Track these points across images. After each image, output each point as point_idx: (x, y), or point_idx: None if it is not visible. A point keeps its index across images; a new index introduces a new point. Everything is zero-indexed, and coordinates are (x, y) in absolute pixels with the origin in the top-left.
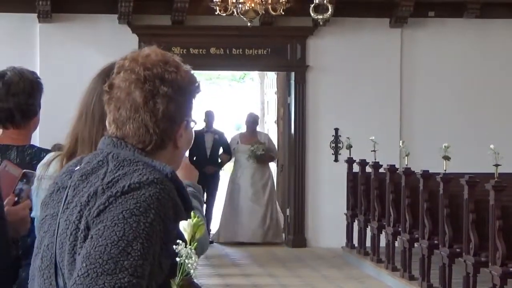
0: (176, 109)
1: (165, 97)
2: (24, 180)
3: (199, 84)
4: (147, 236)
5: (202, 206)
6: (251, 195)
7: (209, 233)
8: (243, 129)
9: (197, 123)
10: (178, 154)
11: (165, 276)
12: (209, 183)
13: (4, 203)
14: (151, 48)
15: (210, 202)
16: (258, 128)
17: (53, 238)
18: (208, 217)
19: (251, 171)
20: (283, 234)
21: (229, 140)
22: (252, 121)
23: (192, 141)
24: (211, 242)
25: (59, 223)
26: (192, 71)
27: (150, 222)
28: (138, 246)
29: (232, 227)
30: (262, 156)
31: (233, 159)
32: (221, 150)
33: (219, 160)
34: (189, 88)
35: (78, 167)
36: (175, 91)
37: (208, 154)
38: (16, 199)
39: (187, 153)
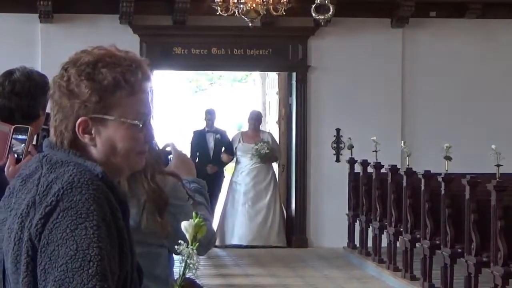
0: (63, 112)
1: (56, 101)
2: (19, 135)
3: (114, 81)
4: (99, 238)
5: (208, 201)
6: (252, 196)
7: None
8: (245, 128)
9: (136, 120)
10: (107, 152)
11: (119, 270)
12: (211, 183)
13: (6, 165)
14: (96, 48)
15: (212, 203)
16: (260, 128)
17: (1, 244)
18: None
19: (254, 171)
20: (284, 236)
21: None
22: (256, 118)
23: (132, 137)
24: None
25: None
26: (128, 68)
27: (96, 224)
28: (95, 251)
29: (232, 230)
30: (267, 155)
31: (234, 159)
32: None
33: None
34: (92, 87)
35: None
36: (67, 95)
37: (211, 154)
38: (16, 156)
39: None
